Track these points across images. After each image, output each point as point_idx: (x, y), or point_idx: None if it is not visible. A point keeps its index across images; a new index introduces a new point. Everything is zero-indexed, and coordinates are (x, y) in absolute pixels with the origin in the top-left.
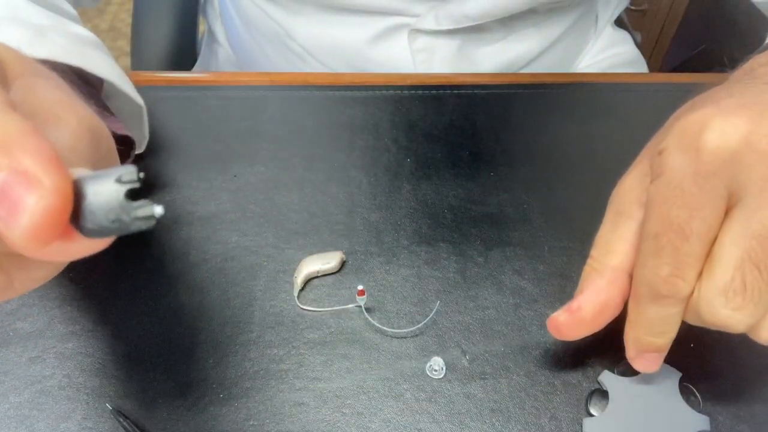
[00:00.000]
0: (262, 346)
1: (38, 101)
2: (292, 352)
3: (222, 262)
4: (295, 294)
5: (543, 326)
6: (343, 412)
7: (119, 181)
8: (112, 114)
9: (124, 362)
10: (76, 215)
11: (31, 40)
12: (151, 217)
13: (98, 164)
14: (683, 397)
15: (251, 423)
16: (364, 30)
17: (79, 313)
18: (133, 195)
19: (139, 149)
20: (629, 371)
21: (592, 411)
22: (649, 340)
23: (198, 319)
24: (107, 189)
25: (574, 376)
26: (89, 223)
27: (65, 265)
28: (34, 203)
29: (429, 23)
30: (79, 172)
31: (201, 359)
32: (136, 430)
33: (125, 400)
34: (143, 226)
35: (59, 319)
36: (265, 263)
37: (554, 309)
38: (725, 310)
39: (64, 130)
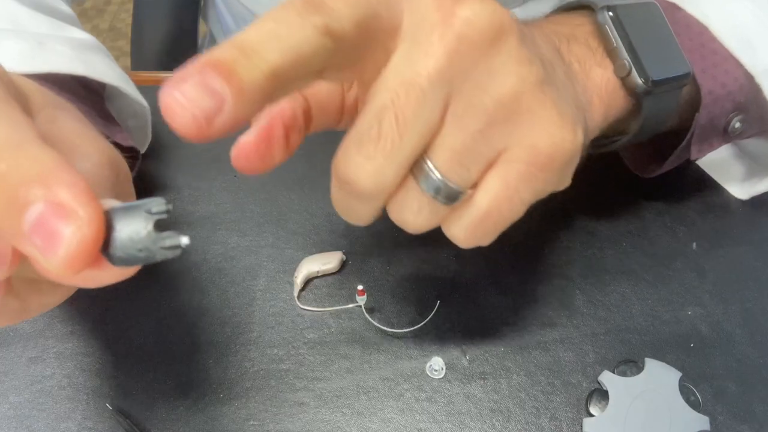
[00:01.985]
0: (262, 346)
1: (61, 133)
2: (292, 352)
3: (222, 262)
4: (295, 294)
5: (543, 326)
6: (343, 412)
7: (149, 212)
8: (117, 125)
9: (124, 362)
10: (107, 245)
11: (32, 53)
12: (178, 247)
13: (116, 191)
14: (683, 397)
15: (251, 423)
16: None
17: (79, 313)
18: (161, 226)
19: (141, 149)
20: (629, 371)
21: (592, 411)
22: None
23: (198, 319)
24: (137, 220)
25: (574, 376)
26: (119, 252)
27: (75, 290)
28: (71, 234)
29: None
30: (109, 203)
31: (201, 359)
32: (136, 430)
33: (125, 400)
34: (169, 255)
35: (59, 319)
36: (265, 263)
37: (554, 309)
38: (357, 157)
39: (87, 161)
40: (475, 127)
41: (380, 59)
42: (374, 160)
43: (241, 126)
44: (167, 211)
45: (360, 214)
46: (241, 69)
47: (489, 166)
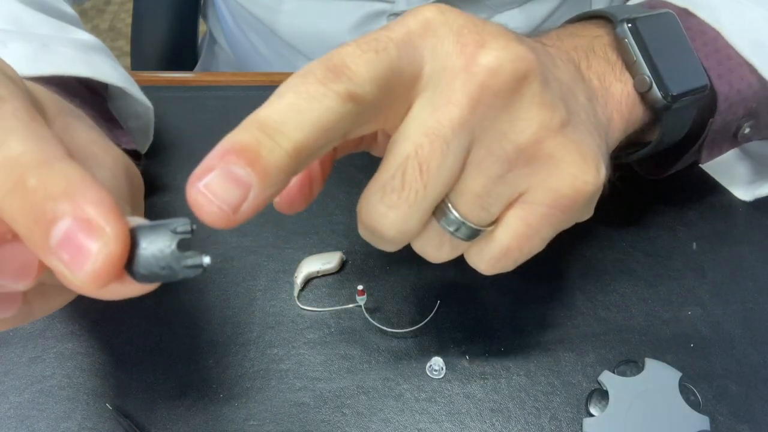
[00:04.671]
0: (262, 346)
1: (76, 141)
2: (292, 352)
3: (222, 262)
4: (295, 294)
5: (543, 326)
6: (343, 412)
7: (173, 231)
8: (120, 127)
9: (124, 362)
10: (130, 261)
11: (36, 55)
12: (200, 266)
13: (130, 199)
14: (683, 397)
15: (251, 423)
16: (344, 19)
17: (79, 313)
18: (183, 245)
19: (142, 150)
20: (629, 371)
21: (592, 411)
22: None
23: (198, 319)
24: (162, 238)
25: (574, 376)
26: (142, 269)
27: (77, 295)
28: (98, 250)
29: (401, 5)
30: (134, 221)
31: (201, 359)
32: (136, 430)
33: (125, 400)
34: (191, 274)
35: (59, 319)
36: (265, 263)
37: (554, 309)
38: (380, 207)
39: (103, 169)
40: (496, 172)
41: (401, 107)
42: (398, 209)
43: (266, 204)
44: (192, 231)
45: (386, 248)
46: (265, 151)
47: (510, 204)
